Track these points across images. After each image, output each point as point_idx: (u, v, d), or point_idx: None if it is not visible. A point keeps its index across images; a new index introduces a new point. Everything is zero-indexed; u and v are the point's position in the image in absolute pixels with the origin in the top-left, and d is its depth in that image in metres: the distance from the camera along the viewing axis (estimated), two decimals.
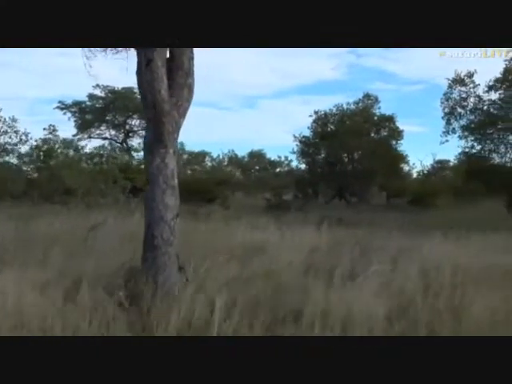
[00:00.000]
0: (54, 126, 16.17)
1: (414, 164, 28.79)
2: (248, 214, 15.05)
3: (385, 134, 25.09)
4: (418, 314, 2.97)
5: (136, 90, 28.26)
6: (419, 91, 47.08)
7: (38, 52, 32.11)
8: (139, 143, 28.85)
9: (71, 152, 15.71)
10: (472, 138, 16.87)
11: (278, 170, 36.84)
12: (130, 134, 27.30)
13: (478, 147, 16.96)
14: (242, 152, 42.65)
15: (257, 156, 42.55)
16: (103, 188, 13.19)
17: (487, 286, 3.54)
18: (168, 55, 4.45)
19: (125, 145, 26.98)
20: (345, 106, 24.86)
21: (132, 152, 26.66)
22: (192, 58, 4.51)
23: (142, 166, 20.07)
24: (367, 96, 25.00)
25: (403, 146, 28.31)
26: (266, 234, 7.72)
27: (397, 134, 25.17)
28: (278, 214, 15.23)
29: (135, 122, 27.79)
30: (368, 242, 6.57)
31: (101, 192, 13.08)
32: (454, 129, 16.97)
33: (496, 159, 17.00)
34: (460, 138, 17.08)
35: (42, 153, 14.48)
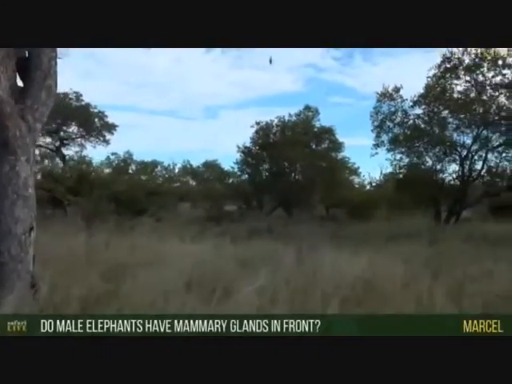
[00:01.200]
0: None
1: (363, 176, 29.14)
2: (178, 226, 14.63)
3: (325, 146, 25.39)
4: None
5: (72, 96, 26.50)
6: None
7: None
8: (77, 151, 27.75)
9: None
10: (398, 151, 17.43)
11: (231, 180, 36.53)
12: (66, 142, 26.11)
13: (406, 160, 17.57)
14: (198, 162, 42.08)
15: (212, 166, 42.13)
16: None
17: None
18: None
19: (60, 153, 25.75)
20: (286, 118, 25.03)
21: (68, 161, 25.54)
22: (53, 58, 4.18)
23: (68, 175, 19.24)
24: (308, 108, 25.28)
25: (355, 159, 28.82)
26: (171, 248, 7.41)
27: (337, 145, 25.56)
28: (207, 226, 14.95)
29: (73, 128, 26.76)
30: (269, 256, 6.40)
31: None
32: (383, 142, 17.46)
33: (423, 172, 17.52)
34: (388, 150, 17.62)
35: None
